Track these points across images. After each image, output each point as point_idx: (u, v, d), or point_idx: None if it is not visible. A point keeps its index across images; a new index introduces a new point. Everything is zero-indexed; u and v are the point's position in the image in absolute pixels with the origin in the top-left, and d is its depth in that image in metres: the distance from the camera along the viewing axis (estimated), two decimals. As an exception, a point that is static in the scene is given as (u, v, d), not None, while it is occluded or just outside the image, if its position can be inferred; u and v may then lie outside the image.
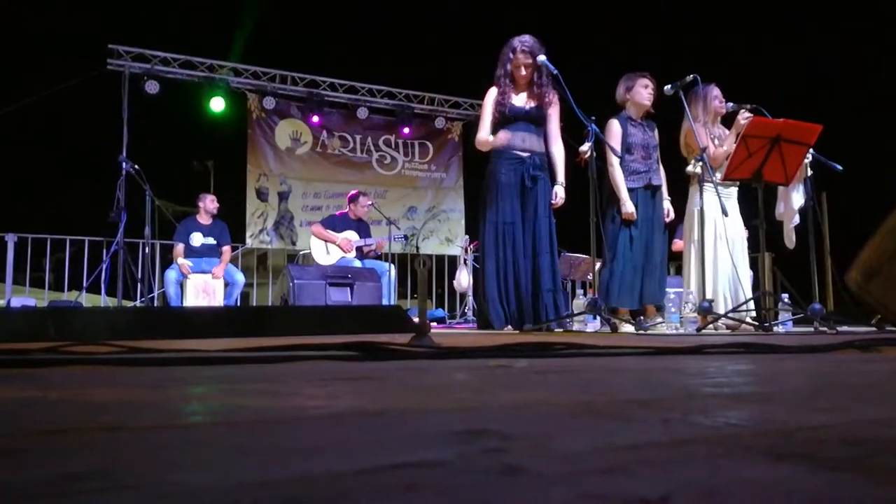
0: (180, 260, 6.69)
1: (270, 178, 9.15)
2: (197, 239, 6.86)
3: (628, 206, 4.65)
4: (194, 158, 14.35)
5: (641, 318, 4.62)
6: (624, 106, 4.89)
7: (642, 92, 4.80)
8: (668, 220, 4.94)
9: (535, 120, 4.75)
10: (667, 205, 4.94)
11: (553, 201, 4.69)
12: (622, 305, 4.66)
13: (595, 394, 0.88)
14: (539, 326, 4.41)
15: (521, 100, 4.73)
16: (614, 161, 4.70)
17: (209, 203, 6.99)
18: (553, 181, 4.74)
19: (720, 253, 4.72)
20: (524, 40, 4.72)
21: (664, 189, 4.95)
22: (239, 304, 7.35)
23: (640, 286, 4.68)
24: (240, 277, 6.98)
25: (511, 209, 4.62)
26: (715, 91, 4.91)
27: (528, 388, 0.97)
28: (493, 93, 4.77)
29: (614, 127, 4.77)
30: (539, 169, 4.69)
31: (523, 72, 4.69)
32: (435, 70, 12.21)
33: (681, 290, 4.76)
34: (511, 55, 4.72)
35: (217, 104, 8.78)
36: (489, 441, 0.51)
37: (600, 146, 4.50)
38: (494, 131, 4.73)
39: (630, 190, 4.71)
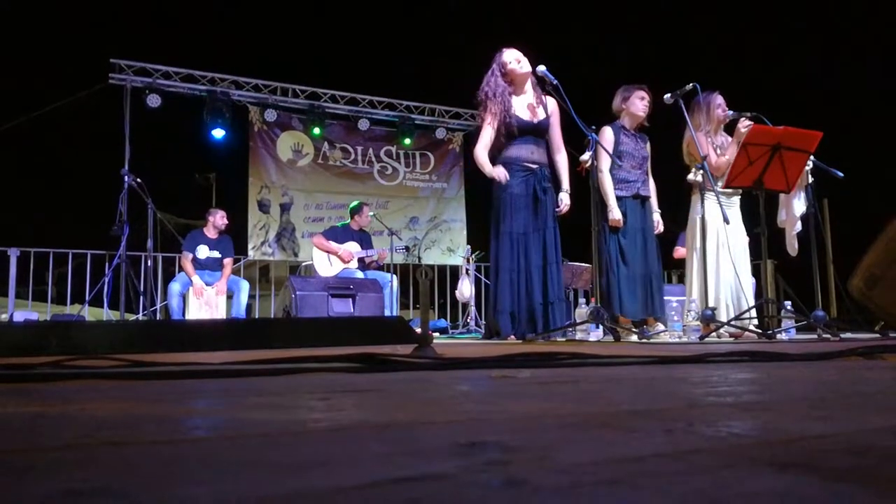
0: (195, 279, 6.70)
1: (272, 190, 9.17)
2: (203, 252, 6.89)
3: (615, 213, 4.69)
4: (196, 171, 14.39)
5: (645, 327, 4.63)
6: (619, 115, 4.92)
7: (638, 104, 4.83)
8: (657, 231, 4.96)
9: (541, 132, 4.77)
10: (656, 217, 4.98)
11: (558, 208, 4.71)
12: (624, 315, 4.66)
13: (598, 404, 0.88)
14: (542, 335, 4.40)
15: (525, 112, 4.73)
16: (604, 167, 4.74)
17: (219, 219, 7.02)
18: (557, 190, 4.77)
19: (722, 261, 4.71)
20: (505, 47, 4.76)
21: (654, 201, 4.98)
22: (246, 308, 7.34)
23: (641, 296, 4.68)
24: (244, 284, 7.01)
25: (524, 220, 4.63)
26: (718, 99, 4.91)
27: (530, 398, 0.97)
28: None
29: (606, 134, 4.80)
30: (547, 180, 4.74)
31: (514, 65, 4.70)
32: (435, 81, 12.25)
33: (683, 298, 4.75)
34: (498, 62, 4.74)
35: (218, 133, 8.82)
36: (492, 453, 0.51)
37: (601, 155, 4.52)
38: (501, 145, 4.74)
39: (618, 198, 4.75)
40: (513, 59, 4.73)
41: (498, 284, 4.65)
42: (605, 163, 4.74)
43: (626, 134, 4.84)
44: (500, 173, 4.62)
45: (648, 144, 4.98)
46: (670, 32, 12.07)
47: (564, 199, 4.73)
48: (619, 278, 4.67)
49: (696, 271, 4.76)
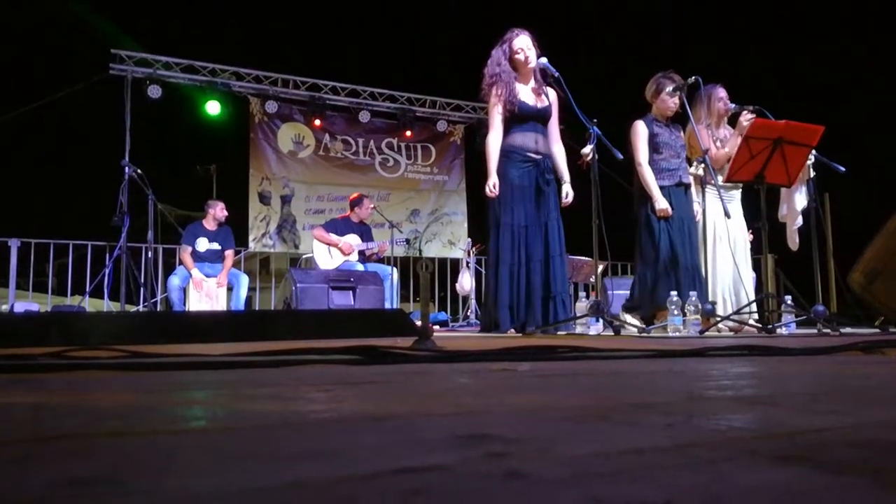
0: (194, 272, 6.70)
1: (273, 182, 9.16)
2: (202, 244, 6.88)
3: (661, 203, 4.55)
4: (197, 162, 14.37)
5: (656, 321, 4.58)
6: (651, 105, 4.84)
7: (667, 101, 4.71)
8: (697, 218, 4.85)
9: (544, 119, 4.71)
10: (696, 206, 4.87)
11: (565, 200, 4.65)
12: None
13: (598, 397, 0.88)
14: (542, 329, 4.39)
15: (529, 97, 4.69)
16: (643, 160, 4.63)
17: (219, 211, 6.99)
18: (558, 182, 4.73)
19: (720, 255, 4.70)
20: (519, 29, 4.71)
21: (693, 189, 4.88)
22: (246, 300, 7.33)
23: (691, 285, 4.56)
24: (243, 279, 7.00)
25: (526, 213, 4.56)
26: (720, 93, 4.88)
27: (530, 391, 0.97)
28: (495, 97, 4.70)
29: (640, 128, 4.70)
30: (550, 172, 4.67)
31: (523, 56, 4.64)
32: (436, 73, 12.24)
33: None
34: (507, 45, 4.69)
35: (213, 107, 8.79)
36: (492, 445, 0.51)
37: (602, 149, 4.49)
38: (505, 131, 4.66)
39: (662, 188, 4.62)
40: (522, 48, 4.65)
41: (498, 278, 4.59)
42: (643, 155, 4.64)
43: (658, 125, 4.76)
44: (491, 188, 4.57)
45: (682, 133, 4.89)
46: (674, 24, 12.02)
47: (570, 191, 4.67)
48: (671, 270, 4.50)
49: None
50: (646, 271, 4.63)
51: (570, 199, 4.68)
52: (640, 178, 4.66)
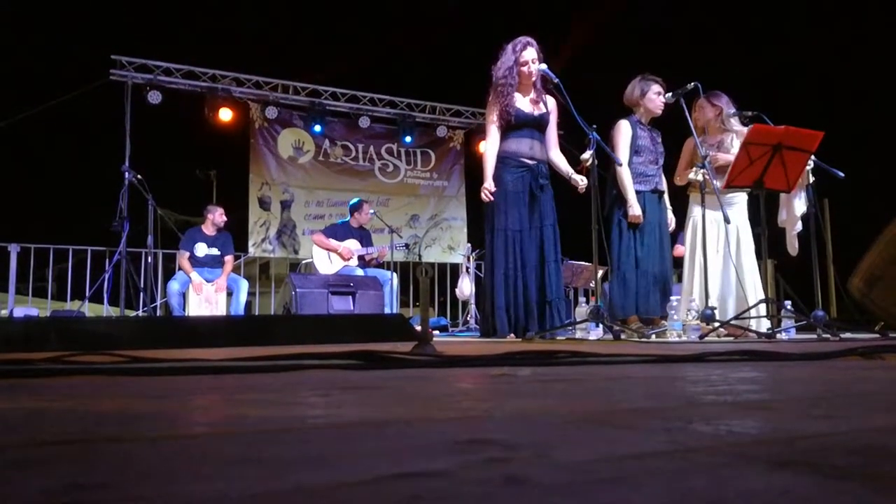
0: (193, 275, 6.69)
1: (273, 187, 9.16)
2: (201, 249, 6.87)
3: (635, 209, 4.56)
4: (197, 168, 14.40)
5: (651, 326, 4.58)
6: (633, 107, 4.85)
7: (655, 100, 4.73)
8: (670, 229, 4.91)
9: (541, 127, 4.76)
10: (669, 214, 4.92)
11: (580, 185, 4.65)
12: (640, 314, 4.57)
13: (598, 403, 0.88)
14: (541, 334, 4.40)
15: (526, 105, 4.73)
16: (623, 161, 4.63)
17: (218, 216, 6.99)
18: (557, 185, 4.77)
19: (714, 259, 4.69)
20: (527, 39, 4.74)
21: (666, 197, 4.93)
22: (246, 305, 7.32)
23: (657, 294, 4.59)
24: (243, 283, 6.99)
25: (520, 217, 4.61)
26: (700, 103, 4.87)
27: (530, 396, 0.97)
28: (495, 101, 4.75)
29: (624, 127, 4.70)
30: (545, 177, 4.70)
31: (528, 70, 4.67)
32: (436, 79, 12.26)
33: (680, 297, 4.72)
34: (517, 56, 4.72)
35: (225, 114, 8.83)
36: (492, 451, 0.51)
37: (602, 154, 4.50)
38: (501, 138, 4.73)
39: (637, 193, 4.63)
40: (528, 61, 4.68)
41: (493, 282, 4.63)
42: (624, 156, 4.64)
43: (642, 128, 4.76)
44: (487, 191, 4.64)
45: (660, 139, 4.91)
46: (673, 28, 12.05)
47: (580, 180, 4.66)
48: (637, 276, 4.55)
49: (695, 270, 4.75)
50: (616, 279, 4.64)
51: (585, 182, 4.64)
52: (618, 179, 4.65)
